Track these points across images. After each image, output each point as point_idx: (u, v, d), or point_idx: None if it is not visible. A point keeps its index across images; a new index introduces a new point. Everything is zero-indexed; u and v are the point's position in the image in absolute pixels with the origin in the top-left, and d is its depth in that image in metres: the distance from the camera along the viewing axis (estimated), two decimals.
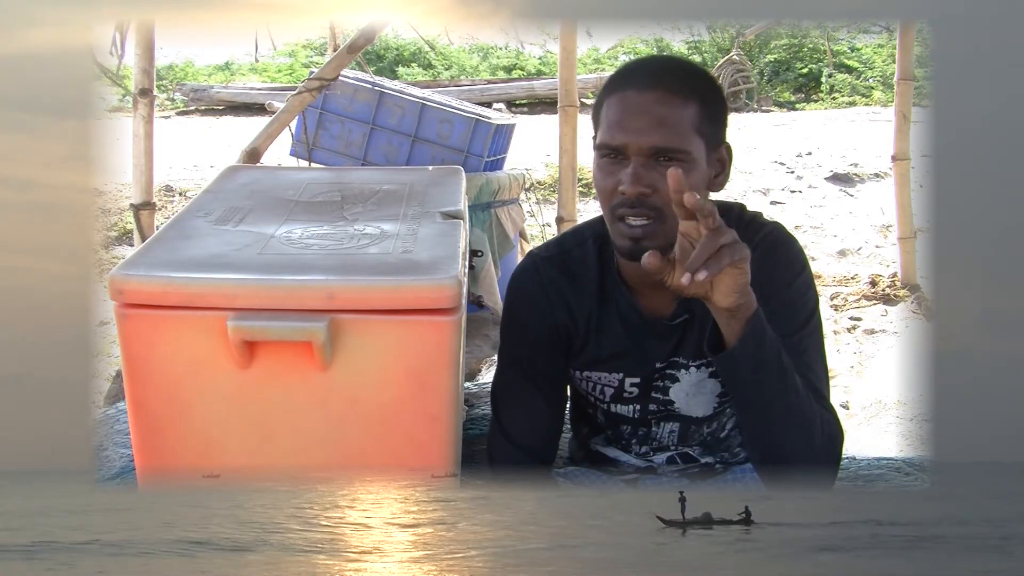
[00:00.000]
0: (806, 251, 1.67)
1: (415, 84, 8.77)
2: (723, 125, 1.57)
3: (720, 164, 1.57)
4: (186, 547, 3.90)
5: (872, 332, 5.03)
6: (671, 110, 1.49)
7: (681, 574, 3.46)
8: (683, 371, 1.65)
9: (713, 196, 1.61)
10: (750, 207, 1.70)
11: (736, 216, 1.64)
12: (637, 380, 1.67)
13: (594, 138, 1.57)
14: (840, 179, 7.51)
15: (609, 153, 1.52)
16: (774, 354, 1.45)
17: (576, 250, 1.68)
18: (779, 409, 1.47)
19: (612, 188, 1.52)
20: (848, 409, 4.16)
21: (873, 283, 5.59)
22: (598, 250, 1.66)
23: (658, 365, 1.66)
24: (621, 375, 1.67)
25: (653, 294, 1.63)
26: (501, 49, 12.49)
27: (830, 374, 1.65)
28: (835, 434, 1.54)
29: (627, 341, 1.65)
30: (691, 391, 1.66)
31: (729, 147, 1.59)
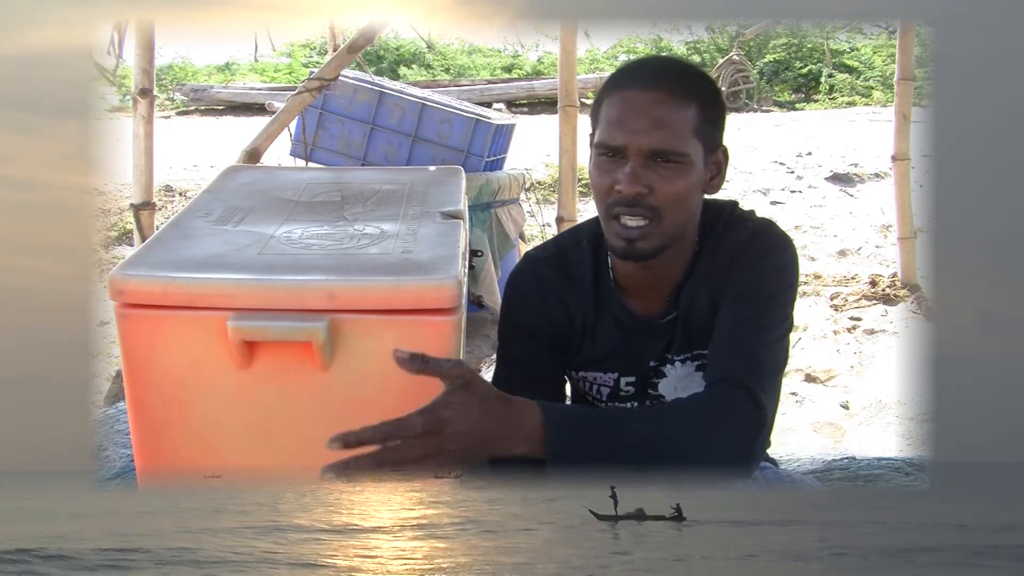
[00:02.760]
0: (804, 251, 1.67)
1: (415, 84, 8.77)
2: (721, 128, 1.57)
3: (716, 167, 1.57)
4: (185, 549, 3.90)
5: (872, 332, 5.03)
6: (671, 112, 1.49)
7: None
8: (669, 366, 1.66)
9: (707, 196, 1.61)
10: (749, 207, 1.69)
11: (727, 214, 1.64)
12: (632, 379, 1.67)
13: (592, 135, 1.57)
14: (840, 179, 7.51)
15: (607, 152, 1.52)
16: (597, 449, 1.39)
17: (572, 250, 1.69)
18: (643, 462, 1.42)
19: (608, 187, 1.51)
20: (848, 409, 4.16)
21: (873, 283, 5.59)
22: (593, 251, 1.66)
23: (652, 364, 1.66)
24: (616, 374, 1.68)
25: (643, 294, 1.63)
26: (500, 51, 12.50)
27: (798, 370, 1.62)
28: (743, 427, 1.46)
29: (621, 341, 1.65)
30: (679, 385, 1.67)
31: (726, 150, 1.58)
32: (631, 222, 1.51)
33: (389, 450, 1.27)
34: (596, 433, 1.42)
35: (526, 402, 1.37)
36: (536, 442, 1.35)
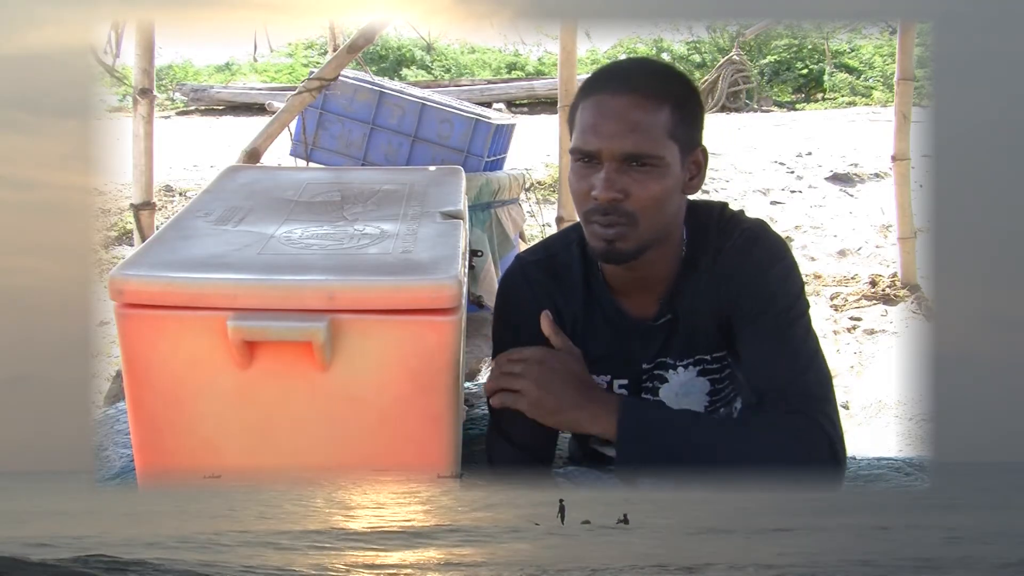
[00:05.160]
0: (804, 251, 1.66)
1: (415, 84, 8.77)
2: (698, 128, 1.56)
3: (695, 167, 1.56)
4: (186, 551, 3.90)
5: (872, 332, 5.03)
6: (644, 115, 1.48)
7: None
8: (671, 371, 1.66)
9: (695, 196, 1.61)
10: (750, 207, 1.70)
11: (717, 215, 1.63)
12: (625, 382, 1.67)
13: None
14: (840, 179, 7.51)
15: (583, 158, 1.51)
16: (670, 445, 1.46)
17: (562, 253, 1.68)
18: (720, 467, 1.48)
19: (585, 192, 1.51)
20: (848, 409, 4.16)
21: (873, 283, 5.59)
22: (582, 253, 1.66)
23: (645, 366, 1.66)
24: (608, 377, 1.67)
25: (636, 295, 1.63)
26: (501, 51, 12.50)
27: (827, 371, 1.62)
28: (816, 440, 1.48)
29: (613, 343, 1.65)
30: (680, 391, 1.66)
31: (705, 150, 1.57)
32: (608, 227, 1.51)
33: (499, 371, 1.48)
34: (669, 427, 1.47)
35: (608, 392, 1.56)
36: (611, 425, 1.46)
